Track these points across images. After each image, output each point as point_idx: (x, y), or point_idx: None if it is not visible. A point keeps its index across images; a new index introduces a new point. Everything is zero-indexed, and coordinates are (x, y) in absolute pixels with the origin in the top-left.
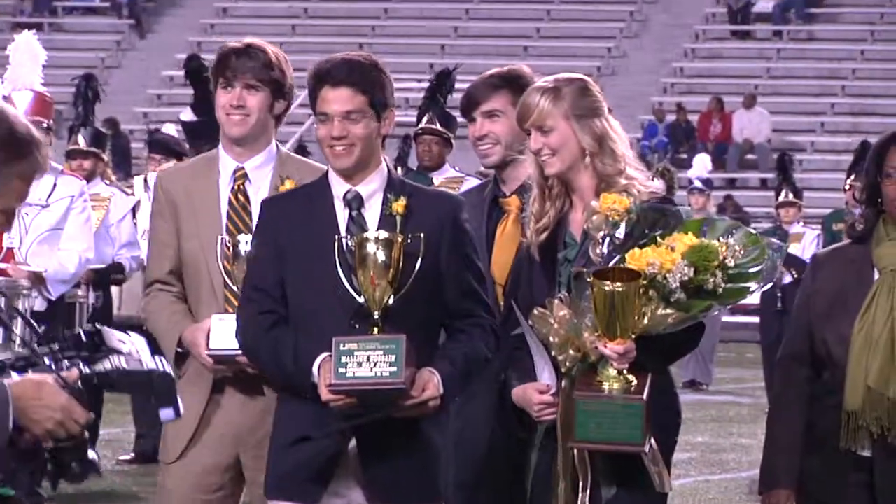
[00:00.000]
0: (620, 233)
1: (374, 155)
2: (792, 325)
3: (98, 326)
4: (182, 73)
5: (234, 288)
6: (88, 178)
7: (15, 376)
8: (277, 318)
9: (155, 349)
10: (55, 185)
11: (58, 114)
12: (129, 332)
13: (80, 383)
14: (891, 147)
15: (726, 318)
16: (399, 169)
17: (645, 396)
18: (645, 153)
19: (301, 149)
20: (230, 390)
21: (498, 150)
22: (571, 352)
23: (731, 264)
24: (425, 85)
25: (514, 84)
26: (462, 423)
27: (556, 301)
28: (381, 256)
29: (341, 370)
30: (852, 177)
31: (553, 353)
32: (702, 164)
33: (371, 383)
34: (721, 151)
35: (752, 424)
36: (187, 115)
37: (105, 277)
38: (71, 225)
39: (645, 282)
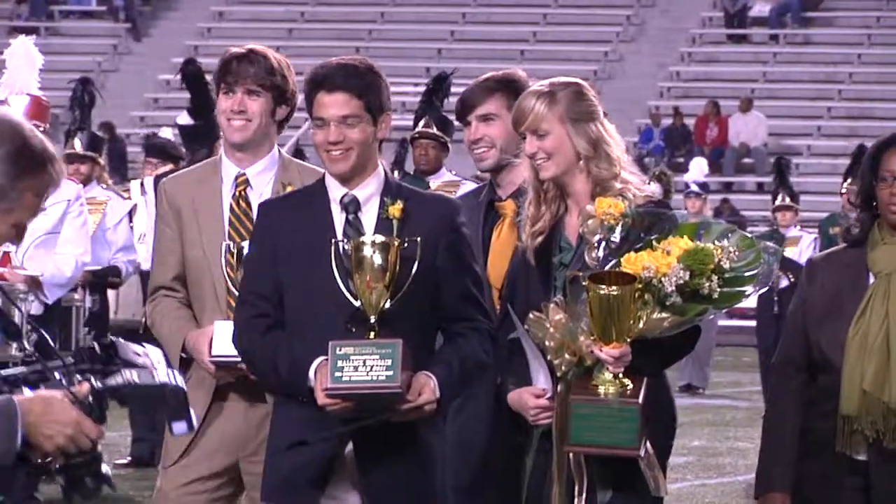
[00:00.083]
0: (616, 237)
1: (371, 159)
2: (787, 329)
3: (113, 339)
4: (178, 77)
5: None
6: (85, 182)
7: (27, 391)
8: (273, 322)
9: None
10: None
11: (54, 118)
12: (145, 344)
13: (91, 398)
14: (886, 151)
15: (723, 322)
16: (396, 173)
17: (640, 400)
18: (642, 157)
19: (298, 153)
20: (232, 396)
21: (493, 153)
22: (567, 356)
23: (727, 268)
24: (422, 89)
25: (509, 88)
26: (459, 427)
27: (552, 305)
28: (377, 260)
29: (337, 374)
30: (849, 181)
31: (549, 357)
32: (698, 168)
33: (367, 387)
34: (717, 155)
35: (748, 428)
36: (184, 118)
37: (102, 280)
38: (67, 229)
39: (640, 286)
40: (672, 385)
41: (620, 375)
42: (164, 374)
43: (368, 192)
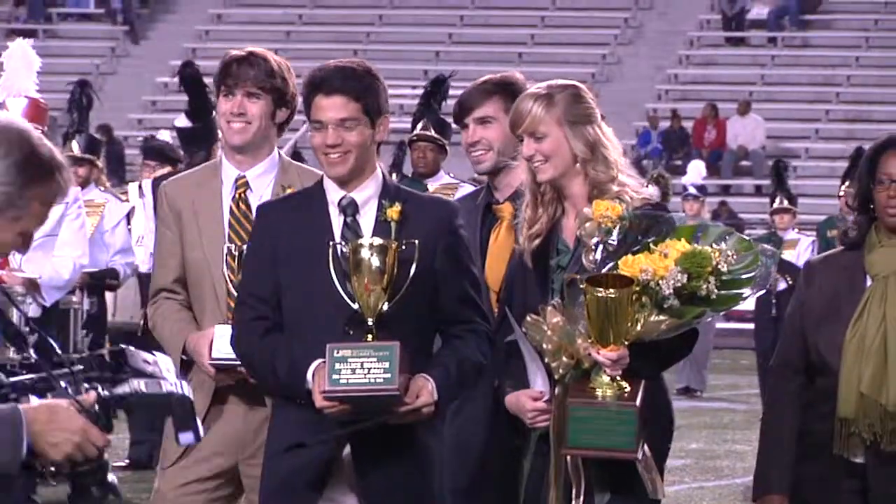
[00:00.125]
0: (613, 239)
1: (369, 162)
2: (785, 332)
3: (123, 347)
4: (176, 79)
5: None
6: (83, 184)
7: (34, 399)
8: (272, 325)
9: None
10: None
11: (52, 120)
12: (155, 353)
13: (97, 406)
14: (883, 154)
15: (721, 325)
16: (394, 175)
17: (638, 403)
18: (640, 159)
19: (296, 155)
20: (231, 398)
21: (490, 156)
22: (565, 359)
23: (725, 270)
24: (420, 91)
25: (506, 90)
26: (457, 429)
27: (550, 308)
28: (375, 262)
29: (335, 377)
30: (847, 183)
31: (546, 360)
32: (696, 171)
33: (365, 390)
34: (715, 158)
35: (746, 431)
36: (182, 121)
37: (100, 283)
38: (65, 231)
39: (638, 288)
40: (670, 388)
41: (618, 378)
42: (172, 383)
43: (367, 194)
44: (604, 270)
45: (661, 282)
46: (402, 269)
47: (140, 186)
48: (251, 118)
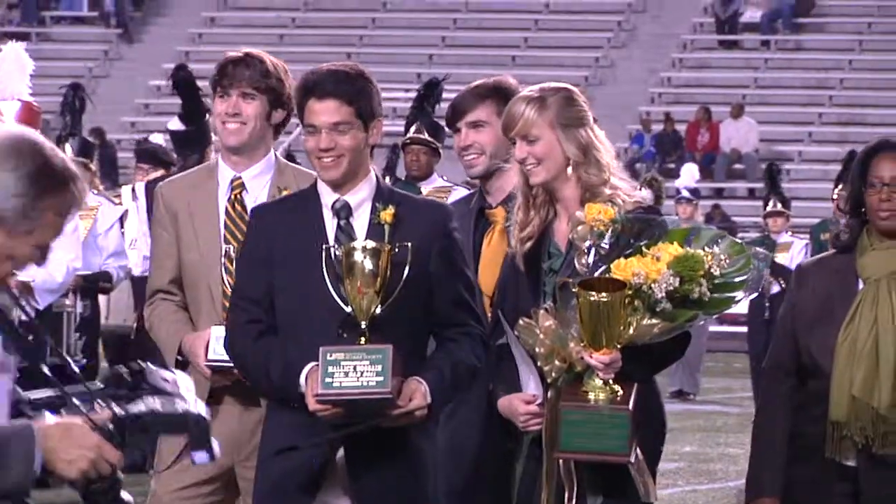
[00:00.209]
0: (605, 243)
1: (363, 165)
2: (777, 334)
3: (142, 364)
4: (169, 82)
5: None
6: None
7: (49, 416)
8: (265, 327)
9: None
10: None
11: (45, 123)
12: (175, 371)
13: (111, 424)
14: (874, 157)
15: (714, 328)
16: (387, 178)
17: (631, 406)
18: (634, 161)
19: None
20: (227, 400)
21: (483, 160)
22: (557, 362)
23: (717, 273)
24: (413, 94)
25: (499, 95)
26: (451, 432)
27: (542, 311)
28: (368, 265)
29: (328, 380)
30: (840, 186)
31: (539, 364)
32: (689, 174)
33: (358, 393)
34: (709, 161)
35: (739, 434)
36: (175, 124)
37: (93, 286)
38: None
39: (630, 292)
40: (663, 391)
41: (611, 382)
42: (189, 402)
43: (360, 197)
44: (596, 274)
45: (653, 285)
46: (396, 273)
47: (133, 189)
48: (246, 119)
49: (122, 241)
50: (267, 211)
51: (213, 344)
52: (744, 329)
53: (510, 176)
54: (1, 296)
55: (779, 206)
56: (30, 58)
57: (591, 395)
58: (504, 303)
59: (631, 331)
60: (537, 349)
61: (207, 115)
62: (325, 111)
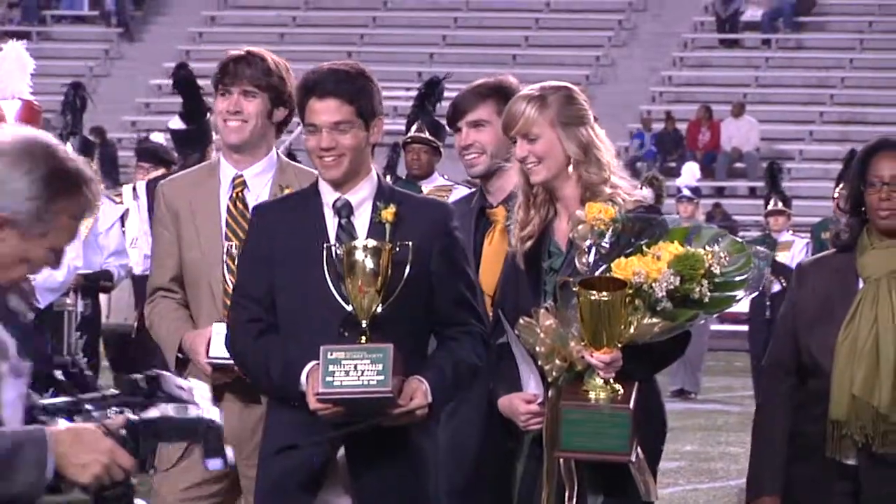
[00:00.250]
0: (606, 242)
1: (364, 164)
2: (777, 333)
3: (158, 372)
4: (170, 81)
5: None
6: None
7: (62, 422)
8: (266, 326)
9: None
10: None
11: (46, 122)
12: (190, 379)
13: (125, 431)
14: (874, 156)
15: (715, 327)
16: (388, 177)
17: (631, 405)
18: (634, 161)
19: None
20: (228, 398)
21: (483, 159)
22: (558, 361)
23: (717, 273)
24: (414, 93)
25: (500, 94)
26: (453, 430)
27: (543, 310)
28: (369, 264)
29: (329, 379)
30: (841, 185)
31: (539, 363)
32: (690, 173)
33: (358, 392)
34: (710, 160)
35: (740, 433)
36: (176, 123)
37: (94, 285)
38: None
39: (631, 291)
40: (664, 390)
41: (611, 381)
42: (203, 409)
43: (361, 196)
44: (597, 273)
45: (654, 284)
46: (397, 271)
47: (134, 188)
48: (247, 116)
49: (122, 239)
50: (268, 209)
51: (215, 341)
52: (745, 328)
53: (511, 175)
54: (14, 299)
55: (780, 204)
56: (31, 57)
57: (592, 395)
58: (504, 302)
59: (632, 330)
60: (538, 348)
61: (208, 114)
62: (326, 110)
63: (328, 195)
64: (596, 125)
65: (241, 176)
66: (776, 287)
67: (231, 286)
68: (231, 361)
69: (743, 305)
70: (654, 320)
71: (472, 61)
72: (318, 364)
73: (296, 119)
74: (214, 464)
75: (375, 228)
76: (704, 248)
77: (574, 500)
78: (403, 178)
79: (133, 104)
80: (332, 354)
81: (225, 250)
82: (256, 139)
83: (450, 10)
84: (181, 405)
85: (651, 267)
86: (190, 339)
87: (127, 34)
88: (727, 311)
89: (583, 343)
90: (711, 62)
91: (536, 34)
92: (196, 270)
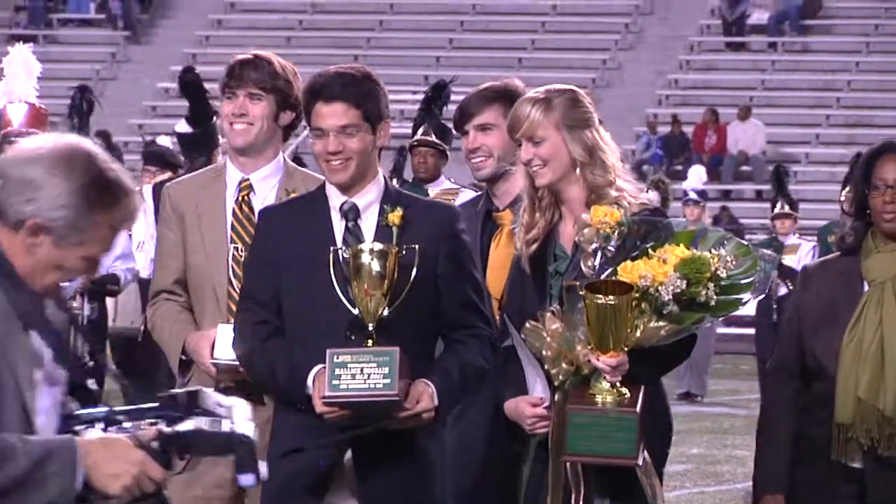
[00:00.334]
0: (612, 245)
1: (371, 167)
2: (782, 336)
3: (198, 388)
4: (177, 84)
5: None
6: None
7: (96, 431)
8: (273, 329)
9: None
10: None
11: (53, 126)
12: (233, 398)
13: (157, 443)
14: (878, 159)
15: (722, 330)
16: (394, 180)
17: (638, 409)
18: (641, 164)
19: (296, 160)
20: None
21: (490, 163)
22: (564, 365)
23: (724, 276)
24: (420, 97)
25: (507, 97)
26: (460, 433)
27: (549, 314)
28: (375, 267)
29: (335, 382)
30: (847, 188)
31: (546, 367)
32: (697, 176)
33: (365, 395)
34: (716, 163)
35: (746, 436)
36: (182, 126)
37: (100, 288)
38: None
39: (637, 295)
40: (670, 393)
41: (618, 384)
42: (238, 425)
43: (368, 199)
44: (603, 276)
45: (660, 288)
46: (403, 274)
47: (140, 192)
48: (253, 119)
49: (129, 243)
50: (275, 213)
51: (219, 342)
52: (751, 331)
53: (517, 179)
54: (51, 306)
55: (786, 208)
56: (37, 60)
57: (599, 398)
58: (510, 305)
59: (638, 333)
60: (544, 352)
61: (214, 118)
62: (333, 114)
63: (335, 198)
64: (601, 128)
65: (248, 180)
66: (783, 290)
67: (236, 290)
68: (235, 363)
69: (749, 308)
70: (661, 324)
71: (478, 65)
72: (325, 367)
73: (302, 123)
74: (247, 479)
75: (382, 232)
76: (710, 252)
77: (580, 503)
78: (410, 181)
79: (139, 107)
80: (338, 358)
81: (230, 254)
82: (262, 142)
83: (456, 13)
84: (215, 419)
85: (657, 270)
86: (194, 340)
87: (133, 37)
88: (733, 314)
89: (589, 347)
90: (718, 65)
91: (543, 37)
92: (200, 274)
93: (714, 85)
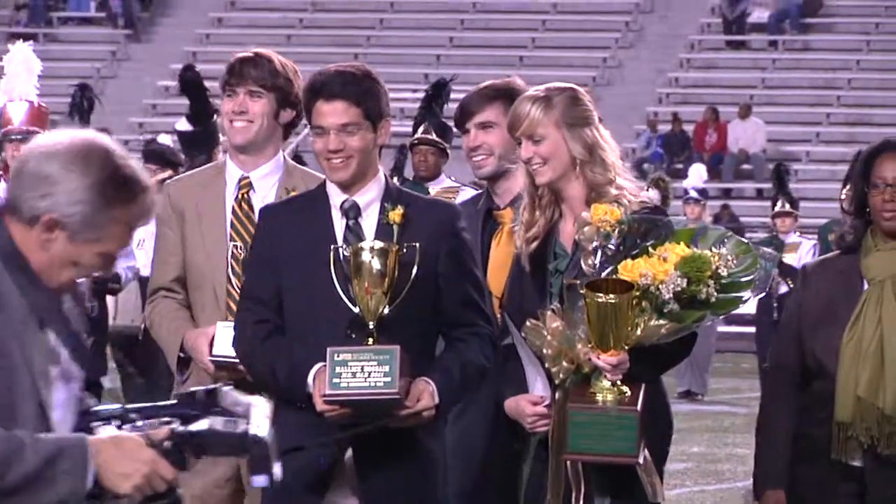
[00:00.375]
0: (612, 244)
1: (372, 165)
2: (781, 334)
3: (216, 386)
4: (177, 83)
5: None
6: None
7: (112, 429)
8: (273, 328)
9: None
10: None
11: (53, 124)
12: (253, 397)
13: (169, 442)
14: (877, 158)
15: (722, 329)
16: (395, 179)
17: (639, 407)
18: (641, 162)
19: (297, 158)
20: None
21: (491, 161)
22: (565, 363)
23: (724, 274)
24: (421, 95)
25: (508, 96)
26: (461, 432)
27: (549, 313)
28: (376, 265)
29: (335, 380)
30: (847, 187)
31: (546, 365)
32: (697, 175)
33: (365, 394)
34: (717, 161)
35: (747, 434)
36: (183, 124)
37: (101, 286)
38: None
39: (638, 293)
40: (671, 391)
41: (618, 383)
42: (253, 425)
43: (369, 197)
44: (603, 275)
45: (660, 286)
46: (404, 273)
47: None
48: (253, 117)
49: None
50: (276, 211)
51: (218, 339)
52: (752, 329)
53: (518, 177)
54: (68, 303)
55: (787, 206)
56: (37, 58)
57: (599, 397)
58: (510, 303)
59: (639, 332)
60: (545, 350)
61: (215, 116)
62: (334, 112)
63: (336, 197)
64: (601, 126)
65: (248, 177)
66: (783, 289)
67: (234, 288)
68: (234, 360)
69: (750, 307)
70: (661, 322)
71: (478, 63)
72: (325, 366)
73: (303, 121)
74: (259, 480)
75: (383, 230)
76: (711, 250)
77: (580, 502)
78: (410, 179)
79: (140, 106)
80: (338, 356)
81: (229, 251)
82: (262, 140)
83: (456, 11)
84: (230, 419)
85: (658, 269)
86: (192, 337)
87: (134, 36)
88: (734, 312)
89: (590, 345)
90: (718, 64)
91: (543, 36)
92: (200, 272)
93: (714, 83)
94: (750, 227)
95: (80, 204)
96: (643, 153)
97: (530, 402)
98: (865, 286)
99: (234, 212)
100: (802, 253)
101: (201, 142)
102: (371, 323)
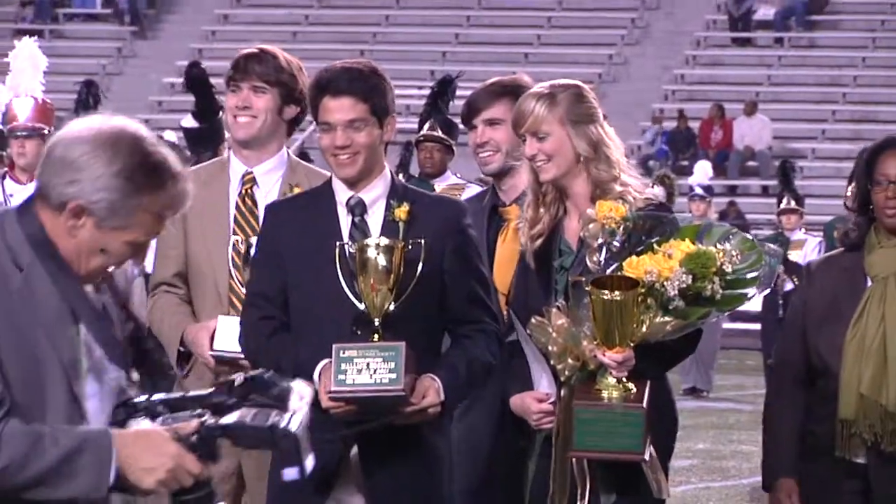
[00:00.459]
0: (617, 241)
1: (378, 162)
2: (785, 333)
3: (255, 374)
4: (183, 79)
5: (243, 291)
6: None
7: (145, 422)
8: (278, 325)
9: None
10: None
11: (59, 121)
12: (292, 382)
13: (197, 436)
14: (881, 155)
15: (727, 326)
16: (401, 176)
17: (644, 404)
18: (647, 159)
19: (302, 155)
20: None
21: (498, 157)
22: (570, 360)
23: (729, 270)
24: (426, 92)
25: (515, 92)
26: (467, 429)
27: (555, 310)
28: (381, 262)
29: (341, 377)
30: (853, 184)
31: (552, 362)
32: (703, 172)
33: (371, 390)
34: (722, 158)
35: (752, 431)
36: (188, 121)
37: None
38: None
39: (643, 290)
40: (676, 388)
41: (624, 380)
42: (285, 416)
43: (375, 194)
44: (608, 272)
45: (665, 283)
46: (409, 269)
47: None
48: (257, 112)
49: None
50: (281, 208)
51: (219, 334)
52: (757, 326)
53: (523, 174)
54: (103, 296)
55: (792, 203)
56: (43, 55)
57: (605, 394)
58: (515, 300)
59: (644, 329)
60: (550, 347)
61: (221, 113)
62: (340, 109)
63: (342, 193)
64: (605, 123)
65: (251, 173)
66: (789, 286)
67: (236, 282)
68: (236, 354)
69: (755, 304)
70: (667, 319)
71: (484, 60)
72: (331, 362)
73: (308, 117)
74: (289, 473)
75: (389, 227)
76: (716, 246)
77: (586, 498)
78: (416, 176)
79: (146, 102)
80: (344, 353)
81: (231, 246)
82: (266, 135)
83: (462, 8)
84: (263, 410)
85: (663, 265)
86: (193, 332)
87: (140, 32)
88: (739, 309)
89: (595, 342)
90: (724, 61)
91: (549, 33)
92: (201, 267)
93: (720, 80)
94: (755, 223)
95: (105, 190)
96: (648, 150)
97: (536, 399)
98: (869, 283)
99: (237, 207)
100: (808, 250)
101: (207, 139)
102: (376, 319)
